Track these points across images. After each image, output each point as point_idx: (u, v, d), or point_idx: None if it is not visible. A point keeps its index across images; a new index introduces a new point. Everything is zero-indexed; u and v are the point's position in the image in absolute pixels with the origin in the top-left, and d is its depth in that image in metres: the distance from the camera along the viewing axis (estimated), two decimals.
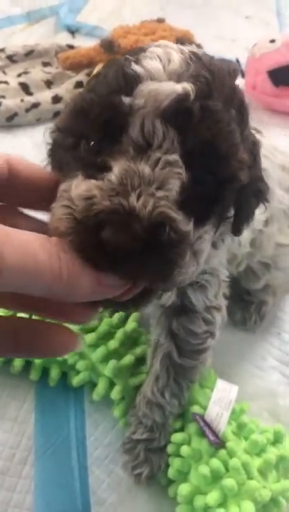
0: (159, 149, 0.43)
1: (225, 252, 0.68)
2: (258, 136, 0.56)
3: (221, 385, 0.76)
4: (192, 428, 0.74)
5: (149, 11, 1.76)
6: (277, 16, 1.93)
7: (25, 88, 1.45)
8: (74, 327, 0.82)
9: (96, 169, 0.43)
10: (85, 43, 1.60)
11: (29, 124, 1.41)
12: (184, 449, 0.72)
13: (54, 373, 0.86)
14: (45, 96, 1.42)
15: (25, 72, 1.50)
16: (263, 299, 0.96)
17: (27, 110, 1.39)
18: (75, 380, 0.85)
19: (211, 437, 0.71)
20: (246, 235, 0.72)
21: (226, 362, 0.93)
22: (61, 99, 1.42)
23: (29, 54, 1.58)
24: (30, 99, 1.40)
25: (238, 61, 1.55)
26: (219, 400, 0.74)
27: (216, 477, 0.69)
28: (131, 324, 0.85)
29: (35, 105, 1.40)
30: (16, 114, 1.39)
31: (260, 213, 0.67)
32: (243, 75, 1.54)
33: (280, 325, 0.99)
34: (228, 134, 0.45)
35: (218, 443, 0.71)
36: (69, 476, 0.80)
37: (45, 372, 0.88)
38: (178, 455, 0.74)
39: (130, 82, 0.44)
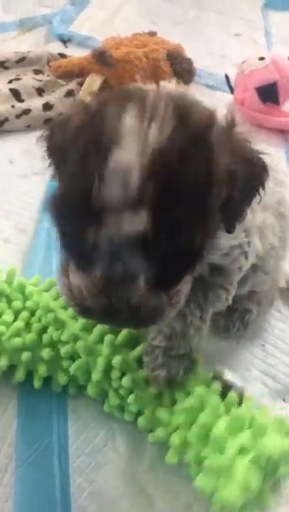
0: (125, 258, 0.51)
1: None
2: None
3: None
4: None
5: (140, 24, 1.78)
6: (266, 35, 1.97)
7: (16, 94, 1.45)
8: (67, 314, 0.83)
9: (84, 261, 0.54)
10: (77, 53, 1.61)
11: (19, 130, 1.42)
12: (214, 399, 0.73)
13: (41, 372, 0.85)
14: (36, 103, 1.43)
15: (17, 79, 1.51)
16: (247, 307, 0.95)
17: (17, 116, 1.40)
18: (72, 368, 0.82)
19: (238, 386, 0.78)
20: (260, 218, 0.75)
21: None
22: (52, 107, 1.43)
23: (21, 61, 1.59)
24: (21, 106, 1.41)
25: (227, 77, 1.57)
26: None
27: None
28: None
29: (26, 112, 1.40)
30: (6, 120, 1.39)
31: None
32: (231, 91, 1.57)
33: (264, 336, 1.00)
34: (193, 233, 0.51)
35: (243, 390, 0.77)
36: (50, 484, 0.79)
37: (29, 376, 0.86)
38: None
39: (96, 215, 0.48)
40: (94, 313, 0.55)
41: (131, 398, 0.78)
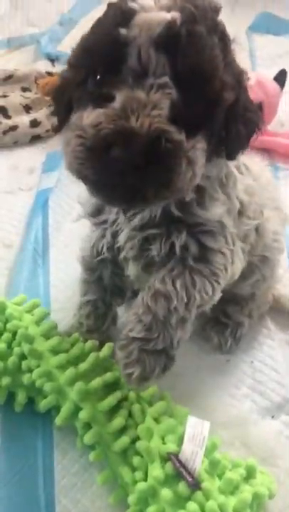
0: (153, 75, 0.51)
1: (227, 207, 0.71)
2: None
3: (192, 421, 0.74)
4: (167, 469, 0.69)
5: None
6: (250, 57, 2.01)
7: (3, 111, 1.45)
8: (45, 347, 0.80)
9: (102, 100, 0.52)
10: None
11: (5, 147, 1.41)
12: (165, 493, 0.67)
13: (21, 397, 0.83)
14: (23, 120, 1.43)
15: (4, 96, 1.51)
16: (239, 321, 0.96)
17: (4, 132, 1.40)
18: (42, 404, 0.81)
19: (189, 478, 0.68)
20: (246, 198, 0.75)
21: (199, 390, 0.93)
22: (40, 124, 1.43)
23: (8, 78, 1.59)
24: (8, 122, 1.41)
25: None
26: (193, 438, 0.71)
27: None
28: (105, 351, 0.82)
29: (13, 128, 1.40)
30: None
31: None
32: None
33: (253, 353, 0.99)
34: (211, 57, 0.53)
35: (196, 484, 0.68)
36: (35, 505, 0.77)
37: (11, 396, 0.85)
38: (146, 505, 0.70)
39: (126, 16, 0.51)
40: (113, 143, 0.49)
41: (92, 454, 0.76)
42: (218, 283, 0.72)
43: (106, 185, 0.54)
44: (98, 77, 0.53)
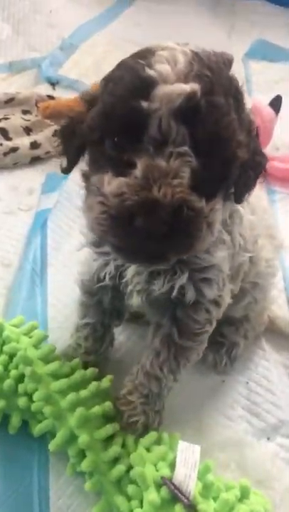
0: (172, 144, 0.51)
1: (226, 249, 0.73)
2: None
3: (182, 446, 0.75)
4: (162, 494, 0.70)
5: None
6: (246, 83, 2.05)
7: (4, 133, 1.47)
8: (45, 370, 0.81)
9: (123, 166, 0.53)
10: (65, 95, 1.65)
11: (6, 168, 1.43)
12: None
13: (15, 420, 0.83)
14: (24, 141, 1.45)
15: (5, 118, 1.53)
16: (235, 341, 0.97)
17: (5, 154, 1.41)
18: (37, 428, 0.81)
19: (184, 499, 0.69)
20: (248, 233, 0.78)
21: (194, 411, 0.93)
22: (40, 146, 1.45)
23: (10, 101, 1.62)
24: (8, 144, 1.43)
25: None
26: (185, 461, 0.73)
27: None
28: (105, 382, 0.83)
29: (14, 149, 1.42)
30: None
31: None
32: None
33: (248, 374, 1.00)
34: (229, 123, 0.54)
35: (191, 506, 0.69)
36: None
37: (6, 418, 0.85)
38: None
39: (146, 87, 0.51)
40: (138, 214, 0.50)
41: (88, 484, 0.77)
42: (207, 333, 0.79)
43: (128, 250, 0.56)
44: (115, 139, 0.54)
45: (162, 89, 0.51)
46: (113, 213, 0.52)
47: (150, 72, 0.52)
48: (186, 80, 0.52)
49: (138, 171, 0.51)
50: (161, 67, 0.52)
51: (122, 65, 0.56)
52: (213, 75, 0.54)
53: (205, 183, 0.54)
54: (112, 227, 0.53)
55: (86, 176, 0.62)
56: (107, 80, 0.58)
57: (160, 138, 0.51)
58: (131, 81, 0.52)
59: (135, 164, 0.52)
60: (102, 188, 0.54)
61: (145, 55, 0.54)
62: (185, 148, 0.52)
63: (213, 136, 0.53)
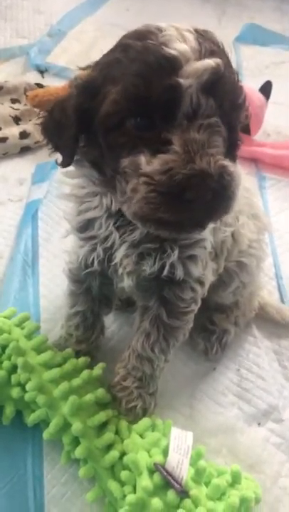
0: (202, 116, 0.55)
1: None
2: None
3: (175, 432, 0.77)
4: (155, 480, 0.71)
5: None
6: (237, 68, 2.04)
7: None
8: (37, 361, 0.81)
9: (158, 144, 0.55)
10: (54, 83, 1.64)
11: None
12: (155, 503, 0.69)
13: (8, 411, 0.84)
14: (13, 131, 1.44)
15: None
16: (225, 328, 0.98)
17: None
18: (31, 418, 0.82)
19: (177, 486, 0.70)
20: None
21: (186, 398, 0.95)
22: (29, 135, 1.45)
23: None
24: None
25: None
26: (177, 448, 0.74)
27: None
28: (97, 370, 0.84)
29: (3, 140, 1.41)
30: None
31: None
32: None
33: (239, 361, 1.01)
34: (241, 92, 0.59)
35: (184, 492, 0.70)
36: None
37: (0, 409, 0.85)
38: None
39: (174, 65, 0.54)
40: (189, 186, 0.53)
41: (82, 471, 0.77)
42: (193, 312, 0.81)
43: (177, 222, 0.57)
44: (138, 119, 0.56)
45: (191, 66, 0.54)
46: (163, 190, 0.54)
47: (172, 51, 0.54)
48: (206, 56, 0.55)
49: (176, 147, 0.54)
50: (179, 46, 0.54)
51: (128, 47, 0.57)
52: (219, 49, 0.58)
53: (229, 148, 0.60)
54: (163, 203, 0.55)
55: (97, 164, 0.64)
56: (109, 63, 0.59)
57: (191, 112, 0.54)
58: (156, 61, 0.54)
59: (170, 141, 0.54)
60: (141, 168, 0.56)
61: (147, 35, 0.56)
62: (215, 119, 0.56)
63: (234, 104, 0.58)
